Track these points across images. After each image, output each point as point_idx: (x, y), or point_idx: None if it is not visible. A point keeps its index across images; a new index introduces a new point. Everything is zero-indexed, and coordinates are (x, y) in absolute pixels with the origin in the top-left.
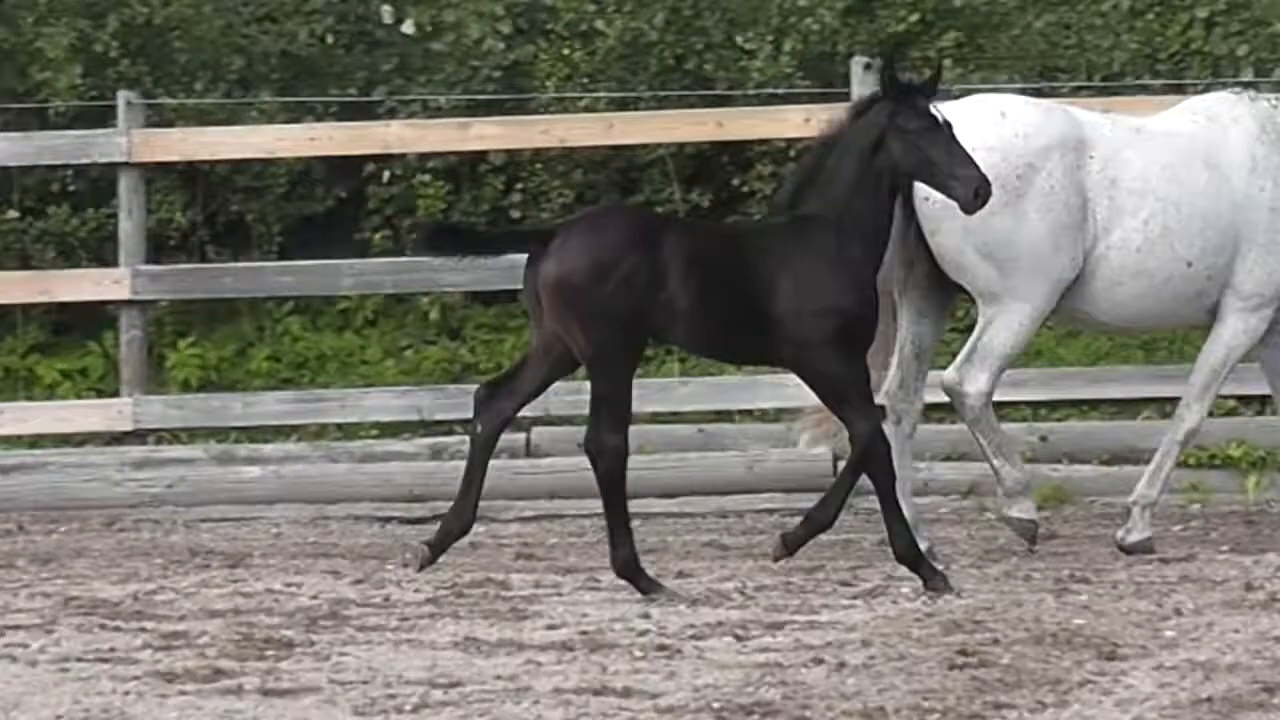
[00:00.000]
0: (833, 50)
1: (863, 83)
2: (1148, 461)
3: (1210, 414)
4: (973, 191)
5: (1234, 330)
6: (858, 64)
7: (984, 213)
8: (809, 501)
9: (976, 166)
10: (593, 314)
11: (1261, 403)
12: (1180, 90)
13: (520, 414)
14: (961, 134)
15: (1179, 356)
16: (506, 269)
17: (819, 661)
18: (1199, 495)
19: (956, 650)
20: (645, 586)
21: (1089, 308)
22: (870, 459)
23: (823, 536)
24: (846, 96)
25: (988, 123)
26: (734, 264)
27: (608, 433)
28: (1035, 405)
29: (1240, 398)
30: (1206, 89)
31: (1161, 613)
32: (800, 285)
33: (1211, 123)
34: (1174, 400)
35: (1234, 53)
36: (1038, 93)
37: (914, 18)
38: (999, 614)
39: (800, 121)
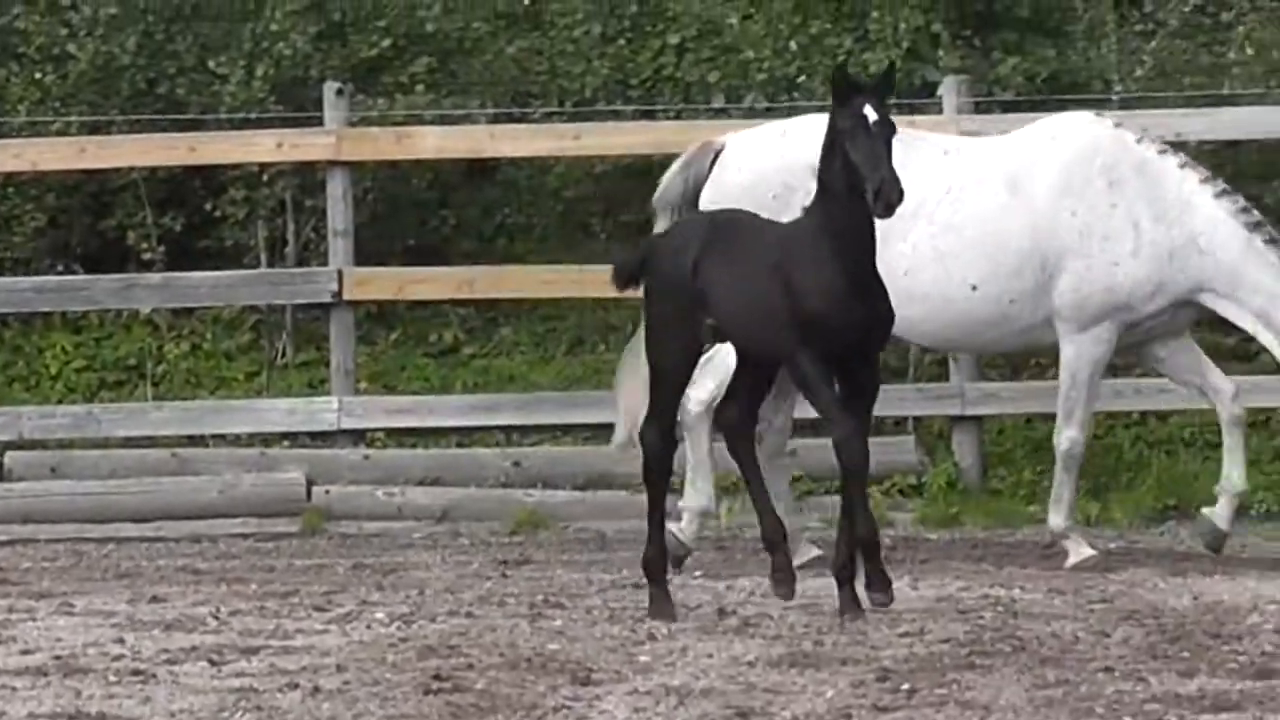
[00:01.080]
0: (305, 75)
1: (335, 107)
2: (622, 486)
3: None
4: (874, 194)
5: (1069, 354)
6: (330, 88)
7: None
8: (283, 525)
9: (891, 171)
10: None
11: None
12: (651, 116)
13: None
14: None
15: None
16: None
17: (294, 686)
18: (671, 521)
19: (431, 675)
20: (655, 596)
21: (898, 331)
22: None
23: (296, 561)
24: (319, 121)
25: (767, 140)
26: (749, 262)
27: (646, 423)
28: (509, 430)
29: None
30: (677, 115)
31: (636, 638)
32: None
33: (1047, 142)
34: None
35: (705, 79)
36: (509, 118)
37: (386, 43)
38: (474, 639)
39: (273, 146)
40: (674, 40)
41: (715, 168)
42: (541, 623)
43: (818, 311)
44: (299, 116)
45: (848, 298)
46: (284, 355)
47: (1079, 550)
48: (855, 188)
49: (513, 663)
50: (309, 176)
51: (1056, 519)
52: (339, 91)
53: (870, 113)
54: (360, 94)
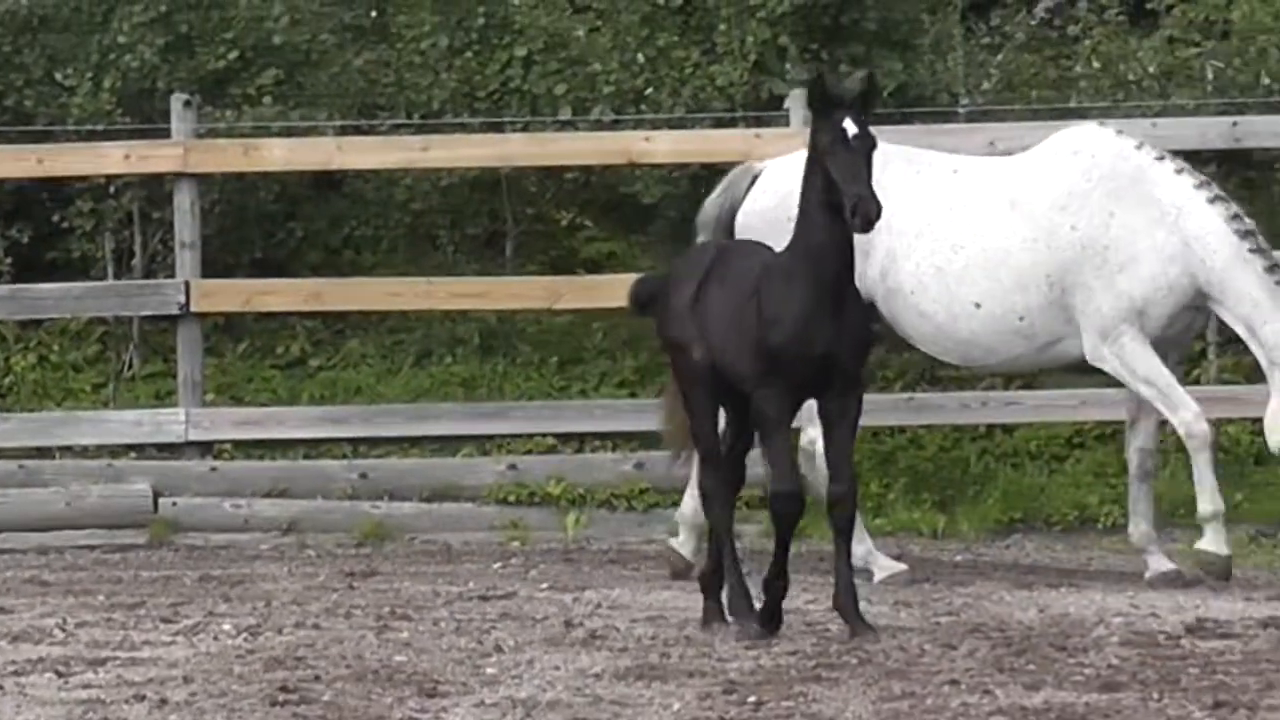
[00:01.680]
0: (153, 87)
1: (182, 119)
2: (469, 499)
3: (529, 451)
4: (851, 209)
5: (1114, 366)
6: (178, 100)
7: None
8: (130, 537)
9: (869, 186)
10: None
11: (580, 440)
12: (499, 128)
13: None
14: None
15: (498, 395)
16: None
17: (141, 698)
18: (519, 533)
19: (278, 687)
20: (707, 615)
21: (922, 347)
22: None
23: (144, 573)
24: (167, 133)
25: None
26: (734, 292)
27: (701, 467)
28: (355, 442)
29: (559, 435)
30: (525, 128)
31: (483, 650)
32: (751, 315)
33: (1047, 158)
34: (492, 438)
35: (551, 91)
36: (357, 130)
37: (233, 54)
38: (320, 651)
39: (120, 158)
40: (521, 53)
41: (750, 191)
42: (388, 635)
43: (781, 343)
44: (146, 128)
45: (815, 322)
46: (131, 367)
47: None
48: (833, 204)
49: (359, 674)
50: (156, 188)
51: (1203, 505)
52: (186, 103)
53: (850, 127)
54: (208, 106)
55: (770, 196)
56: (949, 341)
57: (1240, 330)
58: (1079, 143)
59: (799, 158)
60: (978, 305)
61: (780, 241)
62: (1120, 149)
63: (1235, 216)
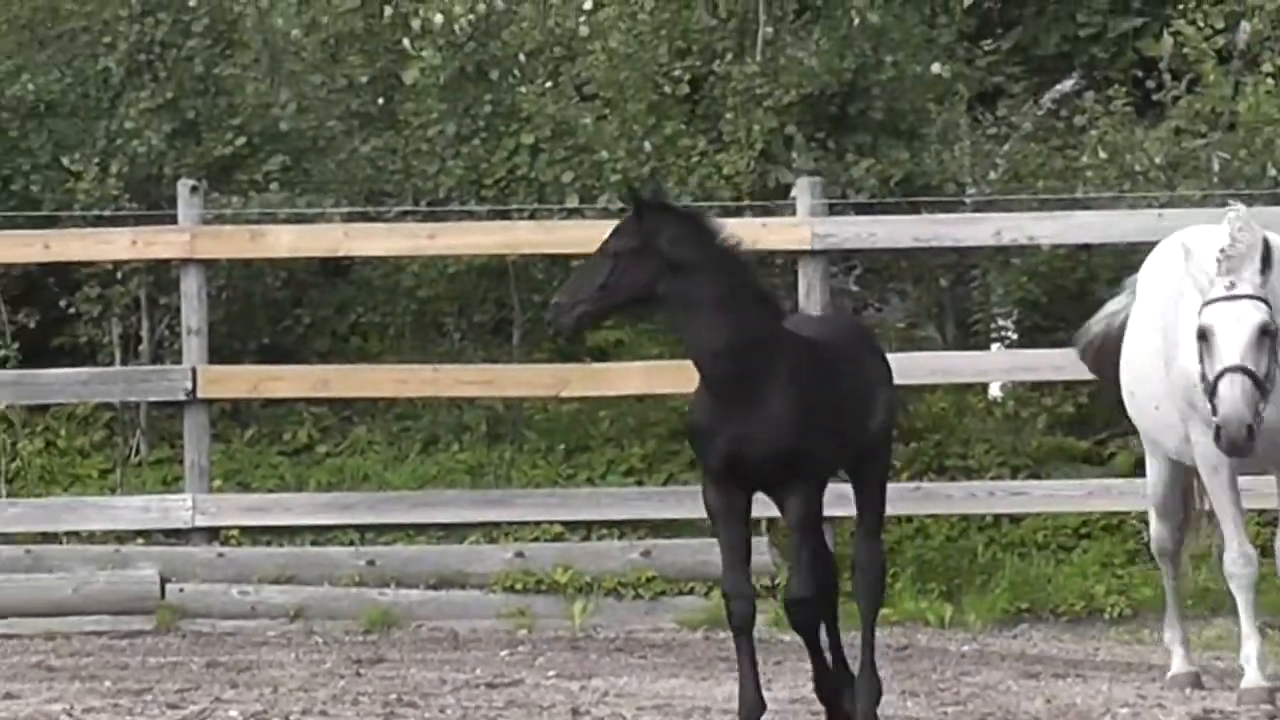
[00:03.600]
0: (159, 173)
1: (189, 204)
2: (476, 586)
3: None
4: None
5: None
6: (184, 186)
7: None
8: (138, 624)
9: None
10: None
11: (588, 528)
12: (506, 216)
13: None
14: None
15: (504, 482)
16: None
17: None
18: (525, 620)
19: None
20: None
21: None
22: None
23: (150, 659)
24: (173, 219)
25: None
26: None
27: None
28: (362, 529)
29: (566, 523)
30: (532, 215)
31: None
32: None
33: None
34: (499, 525)
35: (559, 179)
36: (364, 217)
37: (240, 141)
38: None
39: (127, 243)
40: (528, 140)
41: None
42: None
43: (690, 433)
44: (153, 214)
45: (717, 415)
46: (138, 452)
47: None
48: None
49: None
50: (163, 274)
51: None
52: (193, 189)
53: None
54: (214, 192)
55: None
56: (1171, 442)
57: None
58: (1175, 240)
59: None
60: (1156, 408)
61: None
62: (1187, 242)
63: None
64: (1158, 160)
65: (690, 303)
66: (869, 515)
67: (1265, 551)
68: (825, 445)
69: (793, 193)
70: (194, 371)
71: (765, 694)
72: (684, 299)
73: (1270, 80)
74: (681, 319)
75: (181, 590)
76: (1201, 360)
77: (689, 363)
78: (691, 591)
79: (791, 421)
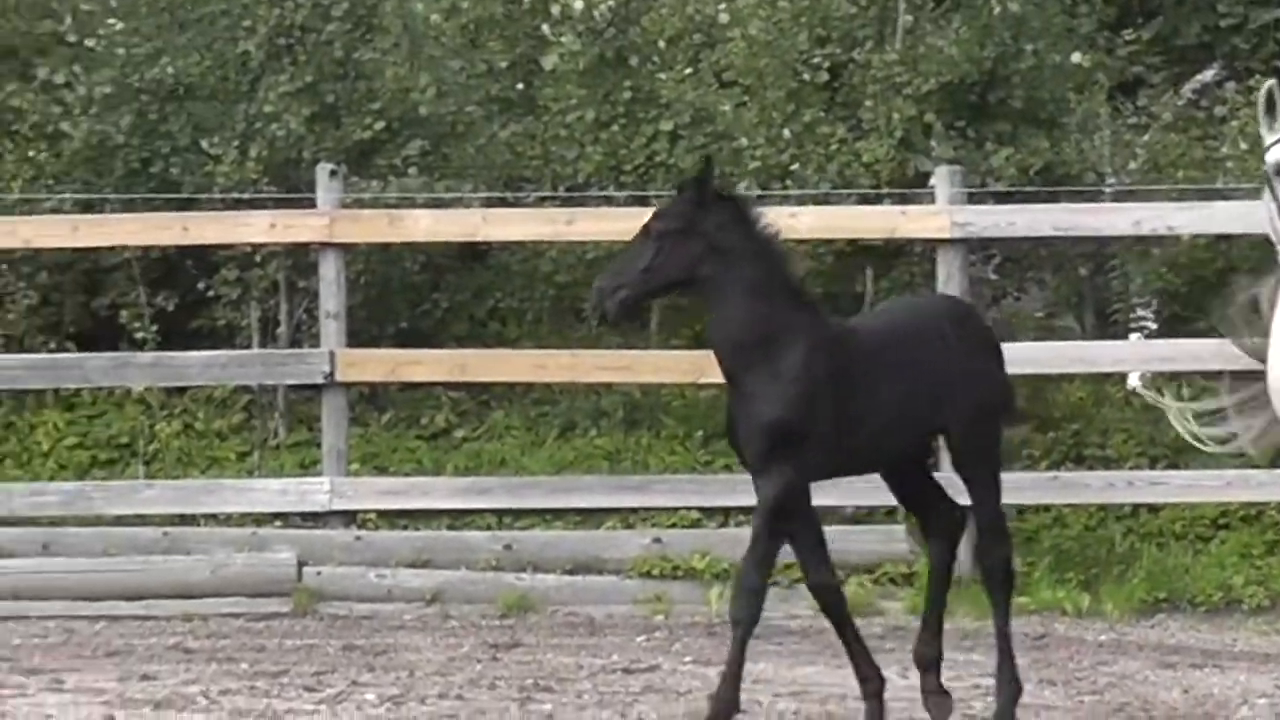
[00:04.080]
0: (298, 156)
1: (328, 189)
2: (613, 571)
3: (673, 525)
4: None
5: None
6: (323, 170)
7: None
8: (275, 606)
9: (605, 278)
10: None
11: (725, 514)
12: (644, 202)
13: None
14: None
15: (642, 468)
16: None
17: None
18: (662, 606)
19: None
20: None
21: None
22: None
23: (287, 641)
24: (312, 203)
25: None
26: None
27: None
28: (499, 513)
29: (704, 510)
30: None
31: None
32: None
33: None
34: (636, 511)
35: (697, 165)
36: (502, 202)
37: (379, 125)
38: None
39: (266, 227)
40: (667, 127)
41: None
42: (531, 706)
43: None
44: (292, 198)
45: (731, 406)
46: (276, 435)
47: None
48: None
49: None
50: (302, 258)
51: None
52: (332, 173)
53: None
54: (353, 176)
55: None
56: None
57: None
58: None
59: None
60: None
61: None
62: None
63: None
64: None
65: (725, 288)
66: (980, 512)
67: None
68: (833, 441)
69: (932, 181)
70: (332, 355)
71: (902, 681)
72: (720, 285)
73: None
74: (714, 304)
75: (319, 573)
76: None
77: None
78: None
79: (778, 406)
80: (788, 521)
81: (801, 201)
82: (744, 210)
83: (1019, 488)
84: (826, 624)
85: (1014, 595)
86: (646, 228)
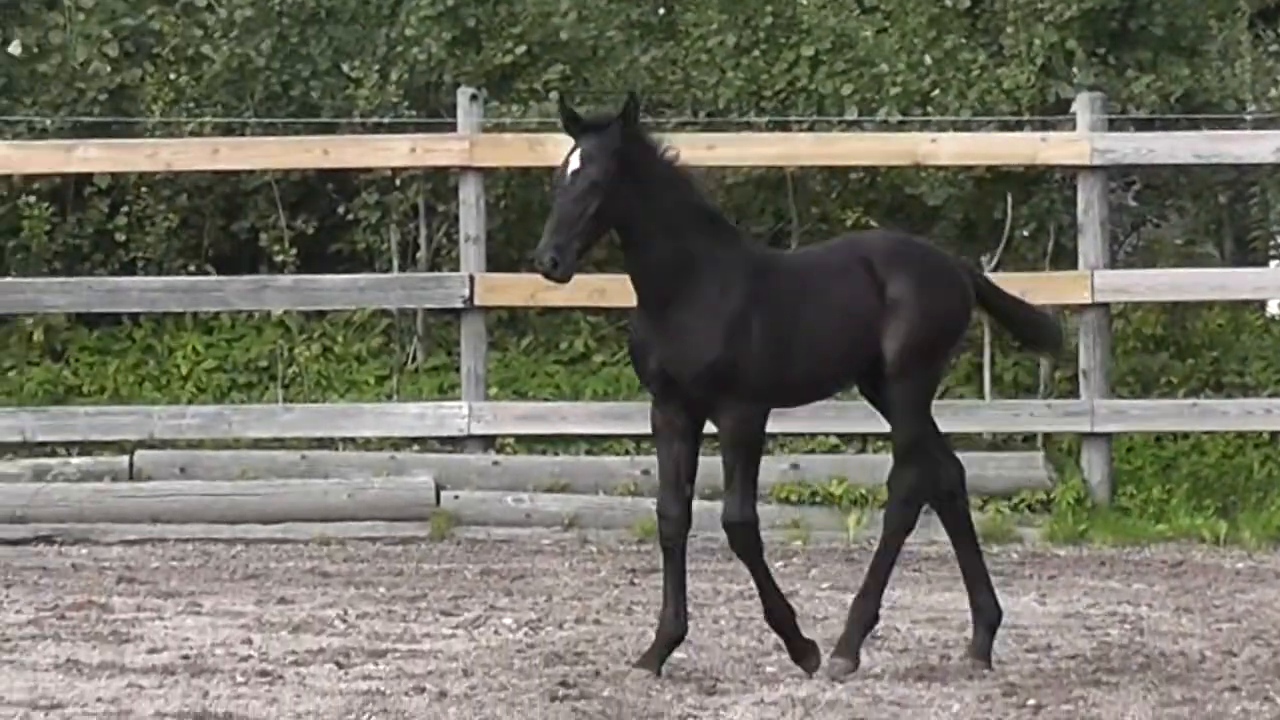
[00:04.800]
0: (439, 80)
1: (468, 113)
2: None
3: (811, 450)
4: None
5: None
6: (464, 94)
7: None
8: (413, 530)
9: (548, 235)
10: None
11: (863, 440)
12: (784, 127)
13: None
14: None
15: None
16: (109, 292)
17: (420, 690)
18: (800, 532)
19: (558, 682)
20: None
21: None
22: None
23: (424, 565)
24: (453, 127)
25: None
26: None
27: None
28: (637, 439)
29: (842, 435)
30: (811, 127)
31: (763, 648)
32: None
33: None
34: (775, 437)
35: (838, 92)
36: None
37: (520, 50)
38: (600, 646)
39: (406, 151)
40: (808, 53)
41: None
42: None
43: (629, 344)
44: (432, 122)
45: (646, 338)
46: (414, 360)
47: None
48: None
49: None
50: (441, 182)
51: None
52: (473, 97)
53: (572, 162)
54: (493, 100)
55: None
56: None
57: None
58: None
59: None
60: None
61: None
62: None
63: None
64: None
65: (643, 222)
66: (896, 441)
67: None
68: (762, 368)
69: (1073, 108)
70: (471, 279)
71: (1040, 608)
72: (638, 218)
73: None
74: (633, 237)
75: (456, 498)
76: None
77: None
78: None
79: (717, 340)
80: (758, 447)
81: (942, 128)
82: (654, 143)
83: (1157, 415)
84: None
85: (1153, 522)
86: (576, 174)
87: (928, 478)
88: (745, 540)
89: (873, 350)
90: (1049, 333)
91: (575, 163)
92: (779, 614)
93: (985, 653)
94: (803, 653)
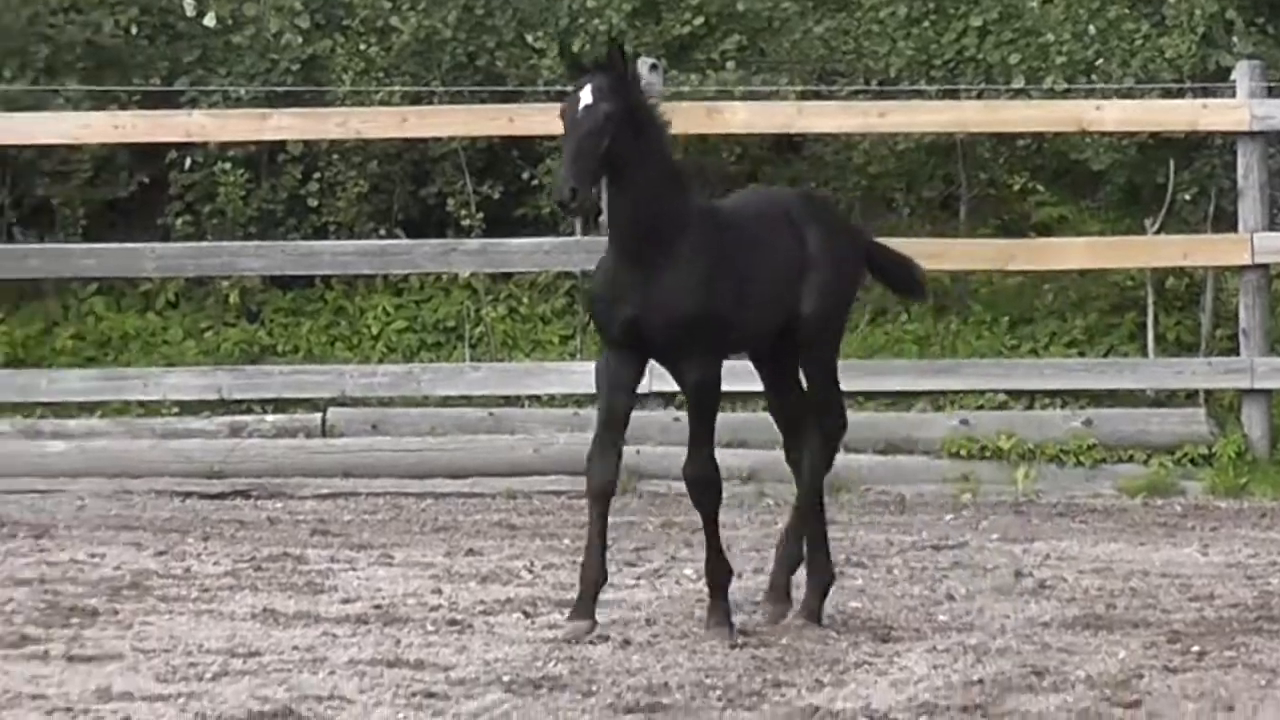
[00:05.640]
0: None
1: (649, 82)
2: (923, 452)
3: (980, 407)
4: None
5: None
6: (644, 64)
7: None
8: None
9: (566, 166)
10: None
11: (1030, 397)
12: (953, 96)
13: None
14: None
15: (950, 352)
16: (302, 255)
17: (604, 639)
18: (969, 485)
19: (737, 630)
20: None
21: None
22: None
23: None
24: None
25: None
26: None
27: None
28: (959, 392)
29: (1010, 392)
30: (979, 96)
31: (934, 598)
32: None
33: None
34: (945, 394)
35: (1006, 61)
36: (816, 96)
37: (698, 21)
38: None
39: None
40: (976, 23)
41: None
42: (844, 582)
43: (591, 303)
44: None
45: (617, 287)
46: None
47: None
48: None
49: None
50: None
51: None
52: (652, 67)
53: (583, 97)
54: (672, 70)
55: None
56: None
57: None
58: None
59: None
60: None
61: None
62: None
63: None
64: None
65: (634, 168)
66: (814, 398)
67: None
68: (728, 320)
69: (1233, 76)
70: None
71: (1202, 558)
72: (630, 164)
73: None
74: (623, 184)
75: (638, 452)
76: None
77: (1130, 239)
78: (1131, 459)
79: (699, 291)
80: (719, 400)
81: (1106, 95)
82: (645, 89)
83: None
84: (1130, 503)
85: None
86: (589, 109)
87: (842, 421)
88: (705, 494)
89: (796, 302)
90: (916, 277)
91: (587, 97)
92: (718, 572)
93: (817, 614)
94: (718, 614)
